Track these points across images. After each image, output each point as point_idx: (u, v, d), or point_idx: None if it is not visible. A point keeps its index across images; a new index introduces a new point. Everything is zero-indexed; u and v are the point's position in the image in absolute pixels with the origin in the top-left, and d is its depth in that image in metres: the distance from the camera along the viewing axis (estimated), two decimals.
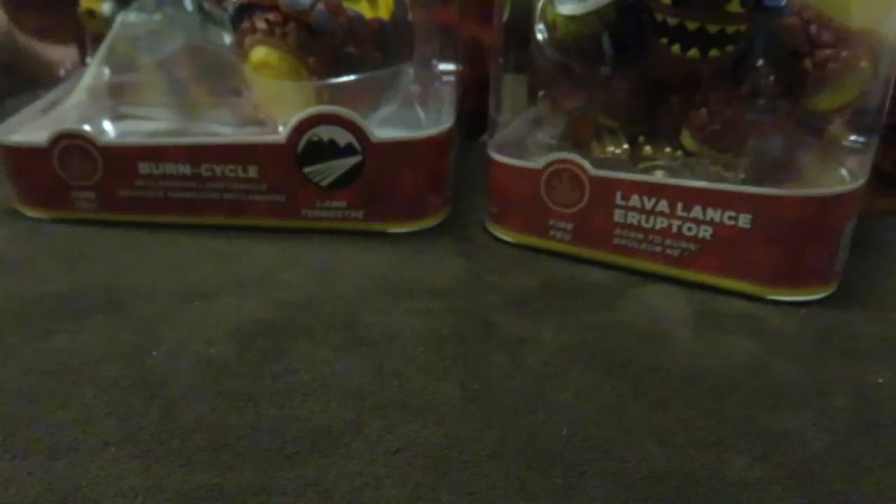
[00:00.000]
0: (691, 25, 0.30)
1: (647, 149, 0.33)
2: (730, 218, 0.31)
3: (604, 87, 0.34)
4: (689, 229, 0.31)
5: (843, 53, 0.30)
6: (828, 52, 0.30)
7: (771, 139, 0.33)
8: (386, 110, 0.37)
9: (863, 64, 0.30)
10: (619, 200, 0.32)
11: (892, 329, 0.30)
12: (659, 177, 0.32)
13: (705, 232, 0.31)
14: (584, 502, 0.21)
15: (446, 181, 0.37)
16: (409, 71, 0.38)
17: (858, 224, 0.31)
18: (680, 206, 0.31)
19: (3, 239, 0.35)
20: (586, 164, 0.32)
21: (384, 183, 0.35)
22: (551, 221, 0.34)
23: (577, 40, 0.32)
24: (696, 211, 0.31)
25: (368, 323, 0.29)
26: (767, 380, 0.26)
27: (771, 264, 0.31)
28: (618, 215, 0.33)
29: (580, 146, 0.34)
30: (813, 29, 0.30)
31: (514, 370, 0.26)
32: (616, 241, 0.33)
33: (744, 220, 0.30)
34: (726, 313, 0.30)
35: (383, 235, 0.36)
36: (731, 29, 0.29)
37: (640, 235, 0.33)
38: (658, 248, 0.32)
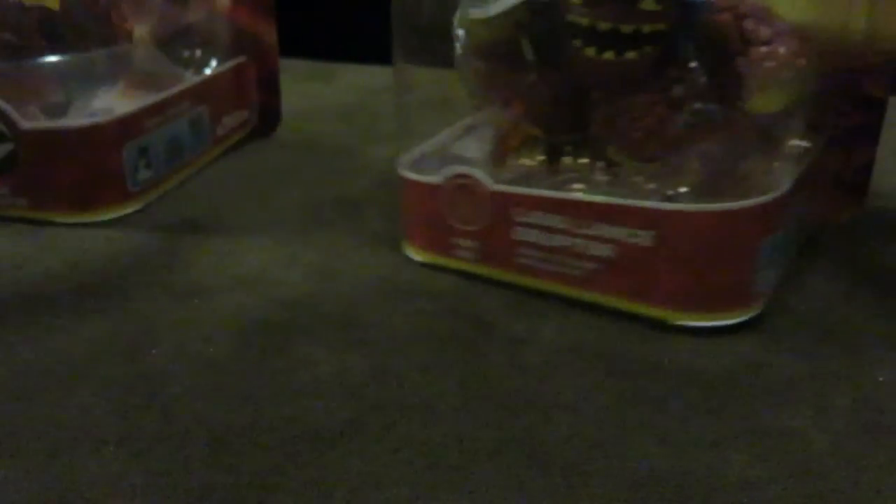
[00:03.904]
0: (604, 26, 0.27)
1: (566, 160, 0.31)
2: (631, 236, 0.28)
3: (526, 94, 0.31)
4: (591, 248, 0.29)
5: (781, 50, 0.28)
6: (764, 49, 0.28)
7: (710, 148, 0.30)
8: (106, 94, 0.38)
9: (803, 61, 0.28)
10: (519, 217, 0.30)
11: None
12: (575, 191, 0.30)
13: (608, 251, 0.29)
14: (584, 502, 0.21)
15: (119, 174, 0.37)
16: (137, 55, 0.40)
17: (819, 236, 0.30)
18: (580, 222, 0.29)
19: (4, 238, 0.35)
20: (487, 178, 0.30)
21: (42, 172, 0.35)
22: (454, 240, 0.32)
23: (493, 46, 0.30)
24: (597, 228, 0.29)
25: (368, 322, 0.29)
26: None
27: (678, 286, 0.28)
28: (519, 233, 0.30)
29: (504, 159, 0.32)
30: (748, 25, 0.28)
31: (514, 370, 0.26)
32: (518, 260, 0.31)
33: (647, 238, 0.28)
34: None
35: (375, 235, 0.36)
36: (647, 28, 0.27)
37: (542, 255, 0.30)
38: (560, 269, 0.30)
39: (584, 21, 0.28)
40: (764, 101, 0.29)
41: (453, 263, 0.33)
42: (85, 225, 0.36)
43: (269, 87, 0.47)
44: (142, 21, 0.41)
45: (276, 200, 0.39)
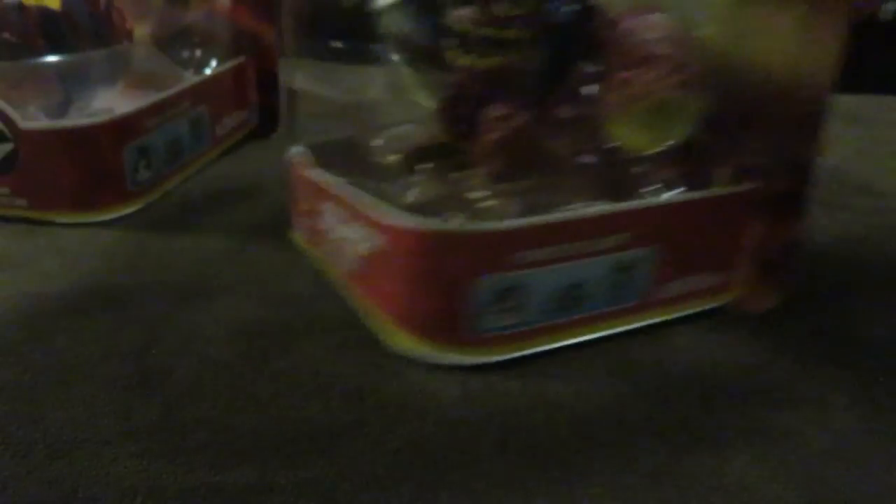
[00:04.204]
0: (460, 28, 0.26)
1: (422, 167, 0.29)
2: (366, 240, 0.27)
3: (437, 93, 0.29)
4: (352, 247, 0.28)
5: (648, 77, 0.24)
6: (626, 74, 0.25)
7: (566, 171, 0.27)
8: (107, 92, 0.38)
9: (672, 93, 0.24)
10: (320, 205, 0.30)
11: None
12: (415, 192, 0.28)
13: (361, 251, 0.27)
14: (584, 502, 0.21)
15: (119, 174, 0.37)
16: (137, 55, 0.40)
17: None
18: (346, 218, 0.28)
19: (4, 238, 0.35)
20: (309, 160, 0.30)
21: (42, 172, 0.35)
22: (300, 222, 0.33)
23: (400, 42, 0.28)
24: (353, 226, 0.27)
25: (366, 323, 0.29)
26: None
27: (393, 305, 0.26)
28: (323, 221, 0.30)
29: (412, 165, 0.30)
30: (624, 44, 0.25)
31: (514, 370, 0.26)
32: (324, 247, 0.31)
33: (373, 249, 0.26)
34: None
35: None
36: (506, 35, 0.25)
37: (331, 246, 0.30)
38: (341, 262, 0.29)
39: (453, 24, 0.26)
40: (626, 134, 0.26)
41: (309, 249, 0.33)
42: (85, 225, 0.36)
43: (269, 87, 0.47)
44: (142, 21, 0.41)
45: (278, 200, 0.39)
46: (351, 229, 0.28)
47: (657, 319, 0.28)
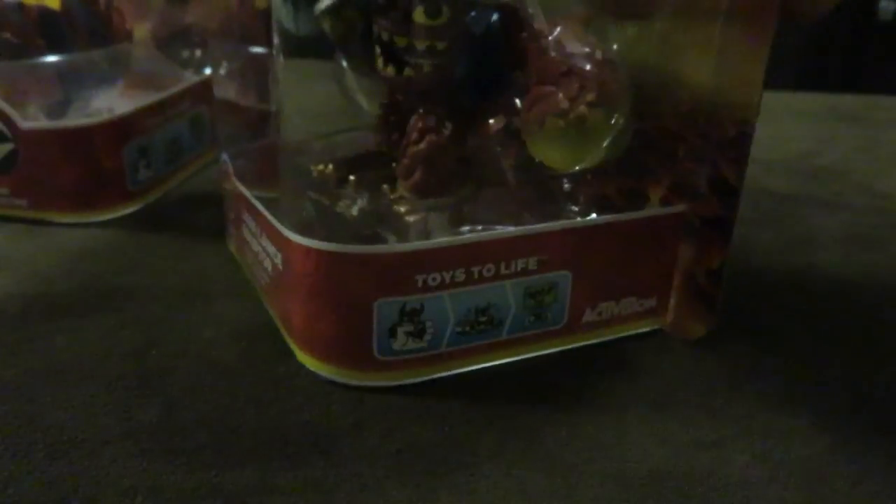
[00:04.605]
0: (384, 35, 0.25)
1: (352, 179, 0.28)
2: (275, 256, 0.26)
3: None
4: (264, 260, 0.27)
5: (563, 93, 0.23)
6: (544, 89, 0.24)
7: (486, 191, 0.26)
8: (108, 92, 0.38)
9: (588, 112, 0.23)
10: (243, 215, 0.29)
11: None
12: (349, 206, 0.27)
13: (268, 266, 0.27)
14: (584, 502, 0.21)
15: (119, 174, 0.37)
16: (137, 55, 0.40)
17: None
18: (259, 231, 0.27)
19: (4, 238, 0.35)
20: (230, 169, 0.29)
21: (42, 172, 0.35)
22: (230, 230, 0.32)
23: (339, 46, 0.27)
24: (264, 243, 0.27)
25: None
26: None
27: (299, 324, 0.25)
28: (245, 232, 0.30)
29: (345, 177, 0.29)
30: (545, 57, 0.24)
31: (513, 371, 0.26)
32: (248, 258, 0.30)
33: (277, 264, 0.25)
34: None
35: None
36: (420, 44, 0.24)
37: (251, 257, 0.29)
38: (260, 275, 0.28)
39: (374, 32, 0.25)
40: (539, 150, 0.25)
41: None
42: (85, 225, 0.36)
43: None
44: (142, 21, 0.41)
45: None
46: (262, 242, 0.27)
47: (583, 343, 0.27)
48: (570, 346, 0.27)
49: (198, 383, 0.25)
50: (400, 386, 0.25)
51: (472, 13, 0.24)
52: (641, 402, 0.25)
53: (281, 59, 0.25)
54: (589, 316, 0.27)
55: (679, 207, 0.26)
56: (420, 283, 0.23)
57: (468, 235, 0.24)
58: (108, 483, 0.21)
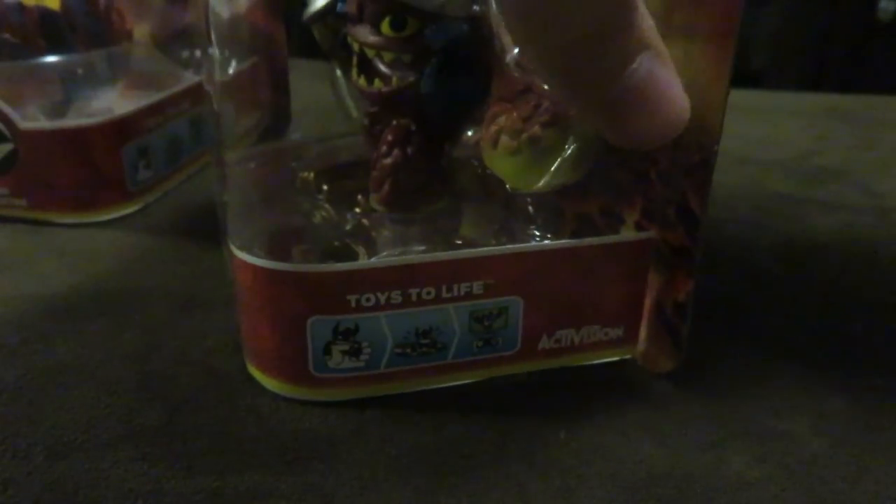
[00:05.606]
0: (355, 45, 0.24)
1: (325, 188, 0.28)
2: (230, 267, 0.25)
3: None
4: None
5: (518, 112, 0.23)
6: (502, 106, 0.23)
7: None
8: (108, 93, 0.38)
9: (534, 130, 0.23)
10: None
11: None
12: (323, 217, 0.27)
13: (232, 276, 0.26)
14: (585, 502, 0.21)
15: (119, 174, 0.37)
16: (137, 55, 0.40)
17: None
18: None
19: (3, 238, 0.35)
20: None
21: (42, 172, 0.35)
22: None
23: (329, 52, 0.27)
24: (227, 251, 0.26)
25: None
26: None
27: (243, 335, 0.25)
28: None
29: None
30: (507, 74, 0.23)
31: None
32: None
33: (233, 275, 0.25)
34: None
35: None
36: (387, 56, 0.24)
37: None
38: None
39: (351, 42, 0.25)
40: (498, 168, 0.24)
41: None
42: (85, 225, 0.36)
43: (278, 87, 0.47)
44: (142, 21, 0.41)
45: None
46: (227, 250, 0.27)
47: (540, 369, 0.26)
48: (523, 371, 0.26)
49: (198, 392, 0.25)
50: (401, 394, 0.25)
51: (436, 26, 0.23)
52: (640, 404, 0.25)
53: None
54: (546, 343, 0.26)
55: (646, 234, 0.25)
56: (353, 304, 0.23)
57: (403, 257, 0.24)
58: (108, 486, 0.21)
